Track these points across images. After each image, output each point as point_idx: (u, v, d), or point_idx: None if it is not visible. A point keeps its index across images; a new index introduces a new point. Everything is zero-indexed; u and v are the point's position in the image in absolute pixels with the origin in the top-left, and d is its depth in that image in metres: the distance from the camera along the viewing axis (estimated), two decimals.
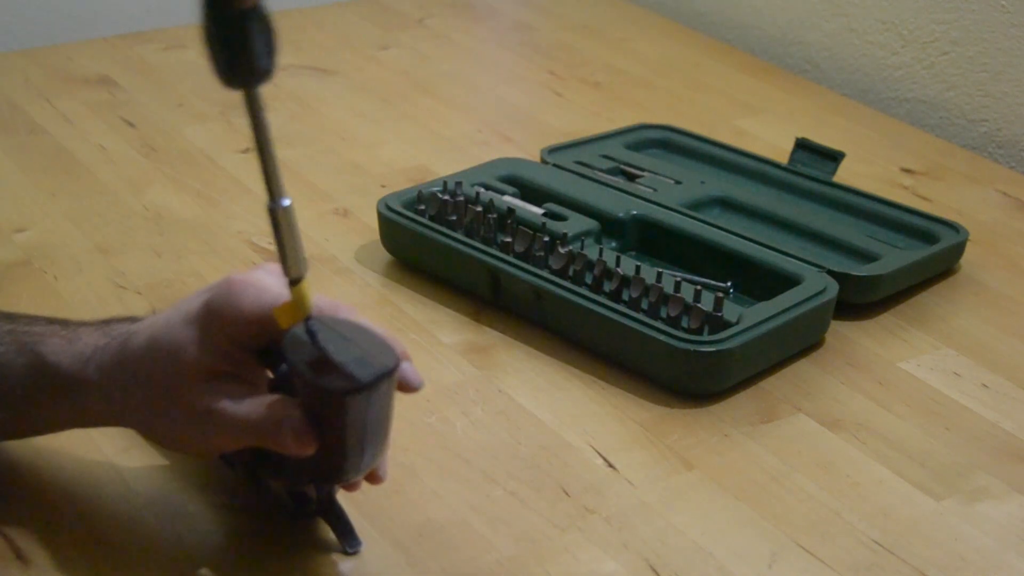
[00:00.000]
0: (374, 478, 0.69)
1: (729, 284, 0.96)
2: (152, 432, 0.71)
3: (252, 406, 0.65)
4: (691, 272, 0.96)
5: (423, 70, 1.41)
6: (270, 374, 0.70)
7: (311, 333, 0.63)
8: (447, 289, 0.98)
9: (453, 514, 0.75)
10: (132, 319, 0.72)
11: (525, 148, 1.21)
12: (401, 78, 1.38)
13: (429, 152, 1.21)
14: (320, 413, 0.64)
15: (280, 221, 0.61)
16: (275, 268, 0.67)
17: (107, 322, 0.72)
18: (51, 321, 0.73)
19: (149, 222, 1.06)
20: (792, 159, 1.13)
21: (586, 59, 1.45)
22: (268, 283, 0.67)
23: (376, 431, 0.65)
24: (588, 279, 0.93)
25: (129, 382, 0.68)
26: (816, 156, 1.12)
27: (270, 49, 0.56)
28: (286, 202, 0.61)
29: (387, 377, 0.63)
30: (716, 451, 0.81)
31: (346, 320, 0.66)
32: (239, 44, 0.55)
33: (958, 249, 1.03)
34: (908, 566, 0.72)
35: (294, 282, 0.62)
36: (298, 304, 0.63)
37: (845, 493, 0.78)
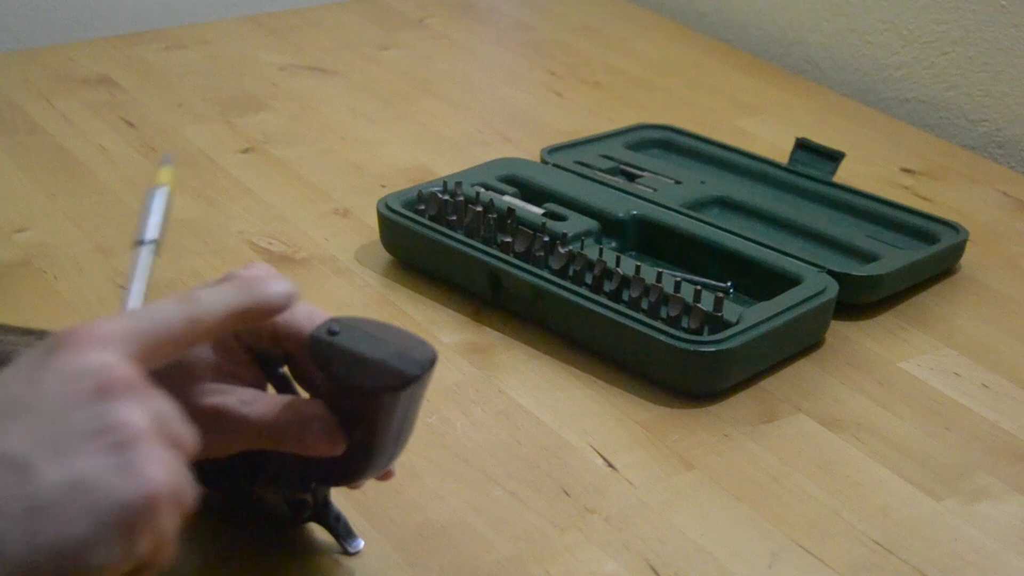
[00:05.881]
0: (386, 475, 0.68)
1: (729, 284, 0.96)
2: None
3: (268, 407, 0.63)
4: (691, 272, 0.96)
5: (423, 70, 1.41)
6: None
7: (333, 333, 0.62)
8: (447, 289, 0.98)
9: (453, 514, 0.75)
10: None
11: (525, 148, 1.21)
12: (401, 78, 1.38)
13: (429, 152, 1.21)
14: (354, 412, 0.62)
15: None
16: (267, 268, 0.67)
17: None
18: (24, 332, 0.71)
19: None
20: (792, 159, 1.13)
21: (586, 59, 1.45)
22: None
23: (407, 427, 0.64)
24: (588, 279, 0.92)
25: None
26: (816, 156, 1.12)
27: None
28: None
29: (432, 367, 0.62)
30: (716, 451, 0.81)
31: (365, 319, 0.65)
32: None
33: (958, 249, 1.03)
34: (908, 566, 0.72)
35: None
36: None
37: (845, 493, 0.78)
